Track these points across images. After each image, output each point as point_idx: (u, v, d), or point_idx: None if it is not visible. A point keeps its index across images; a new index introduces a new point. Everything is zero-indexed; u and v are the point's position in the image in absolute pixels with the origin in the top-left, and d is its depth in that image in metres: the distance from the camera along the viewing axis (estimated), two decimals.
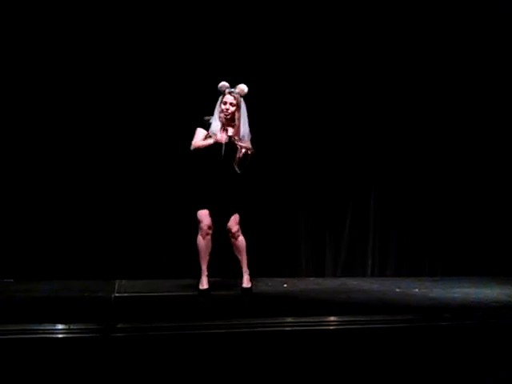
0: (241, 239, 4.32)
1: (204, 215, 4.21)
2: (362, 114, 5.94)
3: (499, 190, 6.21)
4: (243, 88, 4.23)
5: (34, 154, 5.17)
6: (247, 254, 4.46)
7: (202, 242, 4.24)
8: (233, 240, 4.31)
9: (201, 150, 4.22)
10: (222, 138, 4.17)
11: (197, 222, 4.25)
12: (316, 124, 5.82)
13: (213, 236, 4.28)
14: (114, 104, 5.33)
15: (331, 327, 3.29)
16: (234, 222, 4.27)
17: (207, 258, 4.28)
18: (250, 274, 5.07)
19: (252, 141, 4.33)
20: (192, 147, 4.24)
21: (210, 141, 4.19)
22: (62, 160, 5.22)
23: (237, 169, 4.24)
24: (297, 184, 5.75)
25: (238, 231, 4.29)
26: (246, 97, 4.29)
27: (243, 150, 4.19)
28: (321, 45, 5.81)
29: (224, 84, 4.24)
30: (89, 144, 5.27)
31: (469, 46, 6.12)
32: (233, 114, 4.21)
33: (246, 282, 4.37)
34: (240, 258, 4.36)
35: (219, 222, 4.28)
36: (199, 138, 4.24)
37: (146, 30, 5.37)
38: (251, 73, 5.37)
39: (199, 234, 4.25)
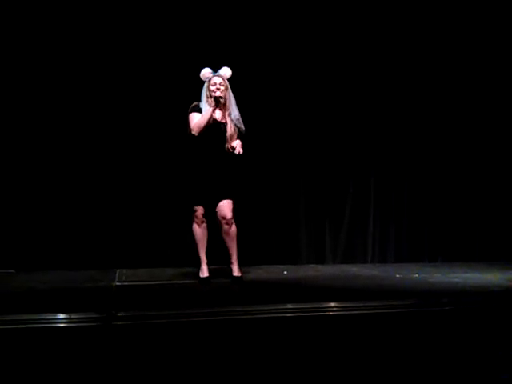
0: (234, 227, 4.23)
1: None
2: (362, 99, 5.91)
3: (500, 174, 6.19)
4: (226, 70, 4.23)
5: (35, 145, 5.17)
6: (245, 242, 4.46)
7: (198, 231, 4.22)
8: (226, 227, 4.21)
9: (198, 138, 4.17)
10: (212, 102, 4.12)
11: (191, 211, 4.22)
12: (316, 109, 5.80)
13: (209, 223, 4.25)
14: (112, 99, 5.32)
15: (332, 313, 3.30)
16: (227, 209, 4.18)
17: (205, 246, 4.26)
18: (252, 262, 5.11)
19: (250, 125, 4.33)
20: (194, 130, 4.15)
21: (206, 114, 4.13)
22: (63, 151, 5.22)
23: (229, 147, 4.18)
24: (296, 170, 5.74)
25: (231, 218, 4.20)
26: (245, 80, 4.26)
27: (236, 150, 4.15)
28: (322, 32, 5.78)
29: (207, 70, 4.22)
30: (88, 136, 5.27)
31: (473, 34, 6.09)
32: (221, 99, 4.16)
33: (237, 271, 4.28)
34: (231, 246, 4.25)
35: (215, 210, 4.23)
36: (196, 120, 4.19)
37: (143, 29, 5.36)
38: (252, 59, 5.38)
39: (194, 222, 4.22)
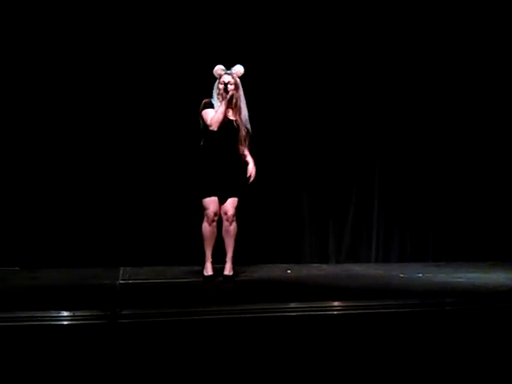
0: (234, 225, 4.25)
1: (210, 202, 4.19)
2: (366, 100, 5.91)
3: (504, 174, 6.17)
4: (239, 68, 4.22)
5: (38, 142, 5.18)
6: (249, 241, 4.43)
7: (208, 229, 4.22)
8: (226, 224, 4.24)
9: (210, 135, 4.18)
10: (228, 95, 4.12)
11: (202, 209, 4.24)
12: (320, 109, 5.79)
13: (219, 224, 4.26)
14: (117, 96, 5.33)
15: (335, 312, 3.30)
16: (231, 206, 4.21)
17: (212, 244, 4.26)
18: (255, 261, 5.10)
19: (255, 125, 4.34)
20: (213, 126, 4.14)
21: (221, 107, 4.14)
22: (66, 149, 5.23)
23: (241, 147, 4.24)
24: (300, 168, 5.74)
25: (233, 216, 4.22)
26: (249, 78, 4.28)
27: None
28: (326, 27, 5.78)
29: (219, 67, 4.23)
30: (92, 134, 5.28)
31: (475, 29, 6.07)
32: (232, 93, 4.16)
33: (229, 270, 4.28)
34: (228, 243, 4.27)
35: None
36: (212, 115, 4.19)
37: (143, 28, 5.36)
38: (254, 56, 5.38)
39: (205, 220, 4.23)
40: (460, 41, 6.06)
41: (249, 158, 4.34)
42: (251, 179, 4.32)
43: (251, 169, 4.31)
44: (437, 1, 5.95)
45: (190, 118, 4.40)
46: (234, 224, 4.26)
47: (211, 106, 4.22)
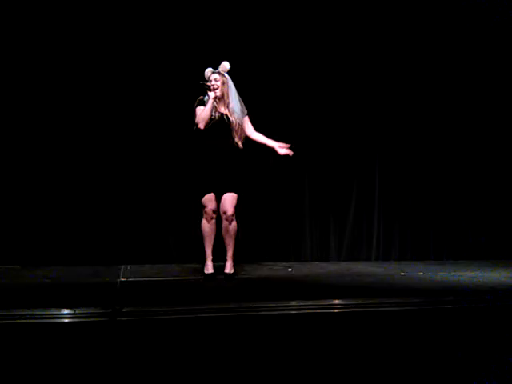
0: (234, 224, 4.24)
1: (207, 199, 4.20)
2: (367, 99, 5.91)
3: (506, 171, 6.17)
4: (224, 64, 4.28)
5: (39, 142, 5.18)
6: (250, 239, 4.40)
7: (207, 226, 4.24)
8: (226, 223, 4.23)
9: (204, 131, 4.20)
10: (212, 95, 4.18)
11: (201, 207, 4.25)
12: (321, 108, 5.79)
13: (218, 221, 4.27)
14: (116, 94, 5.33)
15: (336, 310, 3.30)
16: (230, 205, 4.20)
17: (211, 242, 4.27)
18: (256, 259, 5.10)
19: (254, 122, 4.37)
20: (200, 124, 4.20)
21: (208, 105, 4.17)
22: (67, 147, 5.23)
23: (238, 143, 4.24)
24: (301, 167, 5.72)
25: (233, 215, 4.21)
26: (248, 77, 4.30)
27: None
28: (325, 25, 5.77)
29: (207, 70, 4.31)
30: (92, 132, 5.28)
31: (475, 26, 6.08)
32: (221, 90, 4.21)
33: (230, 268, 4.28)
34: (228, 242, 4.27)
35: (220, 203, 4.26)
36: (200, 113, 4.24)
37: (142, 29, 5.37)
38: (255, 54, 5.38)
39: (204, 218, 4.24)
40: (460, 39, 6.06)
41: (263, 138, 4.36)
42: (287, 151, 4.35)
43: (277, 144, 4.34)
44: (437, 0, 5.96)
45: (188, 116, 4.40)
46: (234, 223, 4.25)
47: (204, 103, 4.25)
